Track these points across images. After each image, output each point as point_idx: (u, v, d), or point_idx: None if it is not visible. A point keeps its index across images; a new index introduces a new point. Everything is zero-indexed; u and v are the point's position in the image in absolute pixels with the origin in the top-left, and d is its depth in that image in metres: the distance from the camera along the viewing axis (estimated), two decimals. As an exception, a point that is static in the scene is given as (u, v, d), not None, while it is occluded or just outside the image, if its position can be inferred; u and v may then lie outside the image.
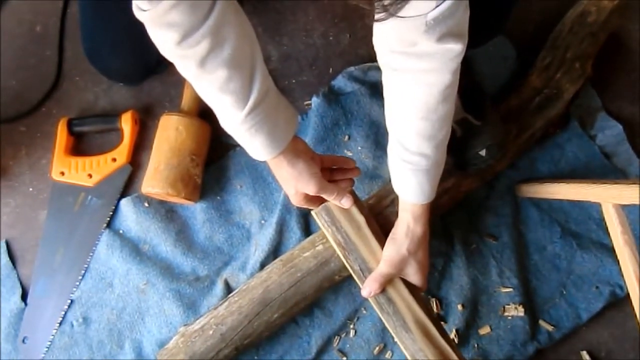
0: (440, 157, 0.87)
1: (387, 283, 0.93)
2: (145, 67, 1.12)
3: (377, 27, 0.76)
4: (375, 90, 1.19)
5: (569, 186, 1.01)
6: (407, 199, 0.92)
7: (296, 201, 0.92)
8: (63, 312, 1.09)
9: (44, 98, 1.19)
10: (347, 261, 0.95)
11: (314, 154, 0.90)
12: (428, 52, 0.73)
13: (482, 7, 0.88)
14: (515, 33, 1.24)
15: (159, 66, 1.15)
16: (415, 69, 0.76)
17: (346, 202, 0.93)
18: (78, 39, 1.07)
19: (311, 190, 0.87)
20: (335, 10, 1.26)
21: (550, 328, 1.11)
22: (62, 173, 1.13)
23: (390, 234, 0.95)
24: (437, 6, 0.67)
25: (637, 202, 0.81)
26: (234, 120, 0.77)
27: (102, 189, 1.14)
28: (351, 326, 1.10)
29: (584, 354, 1.12)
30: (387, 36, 0.75)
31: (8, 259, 1.12)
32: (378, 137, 1.17)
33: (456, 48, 0.73)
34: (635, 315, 0.89)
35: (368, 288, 0.93)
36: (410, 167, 0.87)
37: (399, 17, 0.70)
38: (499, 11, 0.95)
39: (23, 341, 1.07)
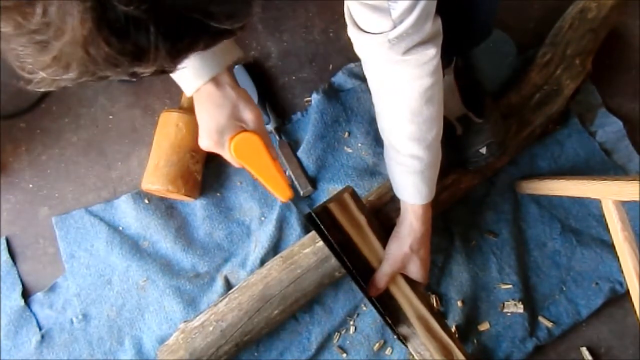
0: (433, 158, 0.86)
1: (391, 281, 0.94)
2: None
3: (352, 38, 0.76)
4: (375, 86, 1.19)
5: (569, 182, 1.01)
6: (405, 201, 0.92)
7: (214, 140, 0.78)
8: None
9: (43, 94, 1.18)
10: (349, 261, 0.95)
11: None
12: (401, 60, 0.72)
13: (466, 13, 0.89)
14: (516, 29, 1.24)
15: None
16: (393, 75, 0.76)
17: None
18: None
19: (249, 115, 0.79)
20: (336, 6, 1.26)
21: (549, 324, 1.11)
22: None
23: (393, 232, 0.95)
24: (396, 27, 0.67)
25: (637, 199, 0.81)
26: None
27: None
28: (351, 322, 1.10)
29: (584, 350, 1.12)
30: (362, 46, 0.76)
31: (8, 255, 1.11)
32: (378, 134, 1.15)
33: (429, 53, 0.72)
34: (635, 312, 0.89)
35: (373, 287, 0.93)
36: (404, 169, 0.87)
37: (363, 31, 0.71)
38: (484, 11, 0.94)
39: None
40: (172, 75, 0.74)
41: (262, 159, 0.79)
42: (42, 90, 0.42)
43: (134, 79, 0.43)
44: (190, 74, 0.75)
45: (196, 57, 0.72)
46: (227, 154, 0.79)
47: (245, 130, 0.79)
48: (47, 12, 0.34)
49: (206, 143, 0.79)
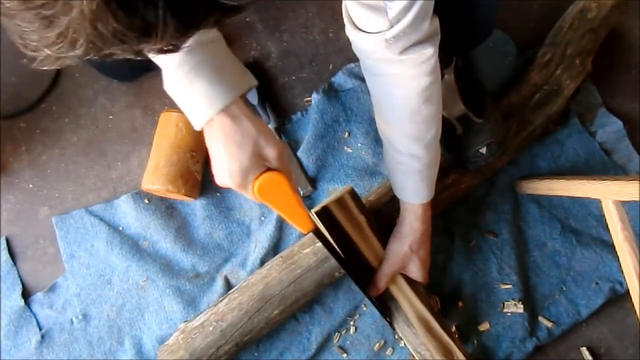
0: (432, 158, 0.86)
1: (391, 281, 0.94)
2: (135, 64, 1.11)
3: (350, 37, 0.76)
4: (375, 86, 1.19)
5: (569, 182, 1.01)
6: (405, 200, 0.92)
7: (240, 178, 0.70)
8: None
9: (43, 94, 1.18)
10: (349, 261, 0.95)
11: None
12: (398, 60, 0.72)
13: (466, 13, 0.89)
14: (516, 29, 1.24)
15: (152, 64, 1.15)
16: (391, 74, 0.76)
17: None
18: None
19: (273, 152, 0.71)
20: (335, 6, 1.26)
21: (549, 324, 1.11)
22: None
23: (393, 232, 0.95)
24: (392, 26, 0.67)
25: (637, 199, 0.81)
26: (173, 61, 0.66)
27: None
28: (351, 323, 1.10)
29: (584, 350, 1.12)
30: (359, 45, 0.76)
31: (8, 255, 1.11)
32: (378, 134, 1.16)
33: (426, 52, 0.72)
34: (635, 312, 0.90)
35: (374, 287, 0.93)
36: (403, 169, 0.87)
37: (361, 31, 0.71)
38: (484, 11, 0.94)
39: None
40: (179, 104, 0.71)
41: (286, 197, 0.74)
42: (45, 68, 0.41)
43: (139, 57, 0.42)
44: (201, 103, 0.68)
45: (206, 84, 0.67)
46: (250, 194, 0.73)
47: (269, 169, 0.73)
48: None
49: (227, 183, 0.72)
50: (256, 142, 0.70)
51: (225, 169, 0.70)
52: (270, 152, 0.71)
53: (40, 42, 0.38)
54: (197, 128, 0.70)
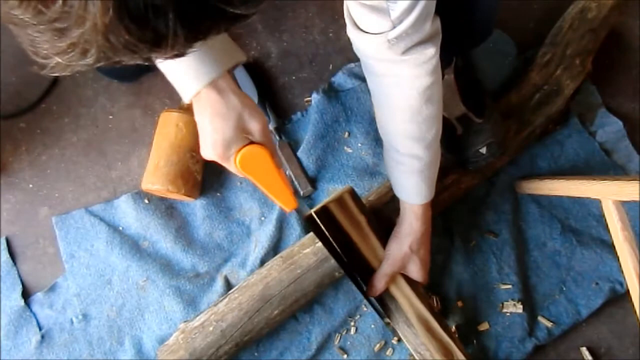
0: (433, 158, 0.87)
1: (390, 281, 0.94)
2: (138, 65, 1.12)
3: (351, 38, 0.76)
4: (375, 86, 1.19)
5: (569, 182, 1.01)
6: (405, 200, 0.92)
7: (223, 148, 0.72)
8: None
9: (43, 94, 1.18)
10: (349, 261, 0.95)
11: None
12: (400, 60, 0.73)
13: (467, 13, 0.89)
14: (516, 29, 1.24)
15: (153, 64, 1.15)
16: (392, 74, 0.76)
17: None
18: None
19: (256, 126, 0.73)
20: (336, 6, 1.26)
21: (549, 324, 1.11)
22: None
23: (393, 232, 0.95)
24: (395, 27, 0.67)
25: (637, 199, 0.81)
26: None
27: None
28: (352, 323, 1.10)
29: (584, 350, 1.12)
30: (361, 46, 0.76)
31: (8, 255, 1.11)
32: (378, 134, 1.15)
33: (428, 52, 0.72)
34: (635, 312, 0.90)
35: (373, 288, 0.93)
36: (404, 169, 0.87)
37: (363, 31, 0.71)
38: (485, 11, 0.94)
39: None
40: (169, 78, 0.73)
41: (268, 172, 0.75)
42: (55, 74, 0.41)
43: (147, 63, 0.43)
44: (189, 77, 0.70)
45: (194, 59, 0.69)
46: (232, 167, 0.75)
47: (252, 143, 0.74)
48: (68, 0, 0.34)
49: (210, 155, 0.74)
50: (240, 114, 0.72)
51: (209, 140, 0.72)
52: (254, 125, 0.73)
53: (51, 50, 0.38)
54: (186, 101, 0.73)
